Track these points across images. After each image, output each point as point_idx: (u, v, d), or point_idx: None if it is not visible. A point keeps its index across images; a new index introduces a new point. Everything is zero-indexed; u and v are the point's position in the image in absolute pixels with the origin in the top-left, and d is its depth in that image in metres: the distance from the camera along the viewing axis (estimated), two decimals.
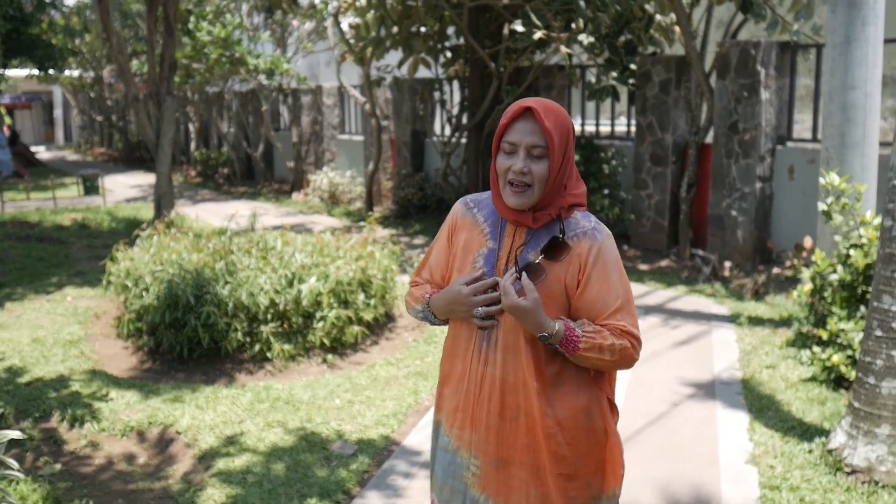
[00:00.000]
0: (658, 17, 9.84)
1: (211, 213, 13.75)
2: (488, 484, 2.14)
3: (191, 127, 22.38)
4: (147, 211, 13.90)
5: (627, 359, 2.07)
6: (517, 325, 2.07)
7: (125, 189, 18.32)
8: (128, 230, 11.47)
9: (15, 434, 3.12)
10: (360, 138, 15.65)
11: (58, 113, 39.27)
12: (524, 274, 2.02)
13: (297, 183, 16.66)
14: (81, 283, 7.93)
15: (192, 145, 22.36)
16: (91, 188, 15.91)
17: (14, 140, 24.54)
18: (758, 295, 7.51)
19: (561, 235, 2.04)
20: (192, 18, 13.63)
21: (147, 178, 20.55)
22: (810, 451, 4.21)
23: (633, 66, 9.68)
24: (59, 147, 36.80)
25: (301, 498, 3.82)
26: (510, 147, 2.06)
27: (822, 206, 5.65)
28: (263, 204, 15.35)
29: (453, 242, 2.23)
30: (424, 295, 2.25)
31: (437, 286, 2.27)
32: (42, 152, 32.01)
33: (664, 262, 9.17)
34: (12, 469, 3.09)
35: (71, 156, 30.89)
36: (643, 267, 8.97)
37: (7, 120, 28.02)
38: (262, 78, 16.21)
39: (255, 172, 19.18)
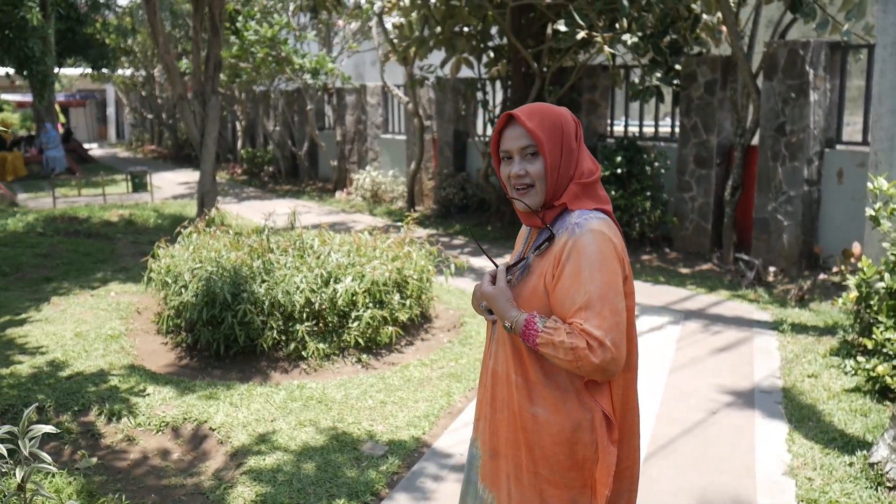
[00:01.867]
0: (704, 16, 9.68)
1: (255, 211, 13.91)
2: (486, 474, 2.24)
3: (238, 125, 22.68)
4: (192, 208, 14.11)
5: (582, 360, 1.94)
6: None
7: (173, 186, 18.64)
8: (172, 227, 11.65)
9: (48, 428, 3.18)
10: (402, 138, 15.68)
11: (110, 111, 40.18)
12: (502, 265, 2.18)
13: (341, 182, 16.77)
14: (125, 279, 8.08)
15: (239, 143, 22.66)
16: (139, 185, 16.22)
17: (67, 137, 25.13)
18: (802, 301, 7.33)
19: (549, 228, 2.13)
20: (241, 18, 13.79)
21: (194, 176, 20.86)
22: (851, 465, 4.09)
23: (677, 67, 9.54)
24: (111, 144, 37.63)
25: (330, 498, 3.83)
26: (506, 154, 2.17)
27: (869, 212, 5.48)
28: (307, 202, 15.49)
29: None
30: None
31: None
32: (94, 149, 32.75)
33: (706, 266, 9.01)
34: (45, 463, 3.15)
35: (122, 153, 31.54)
36: (684, 270, 8.83)
37: (61, 118, 28.75)
38: (308, 77, 16.34)
39: (299, 171, 19.36)
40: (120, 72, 28.94)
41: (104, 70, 24.49)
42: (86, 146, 29.62)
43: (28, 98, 30.46)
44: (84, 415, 4.73)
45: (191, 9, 19.28)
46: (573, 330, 1.97)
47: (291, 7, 17.66)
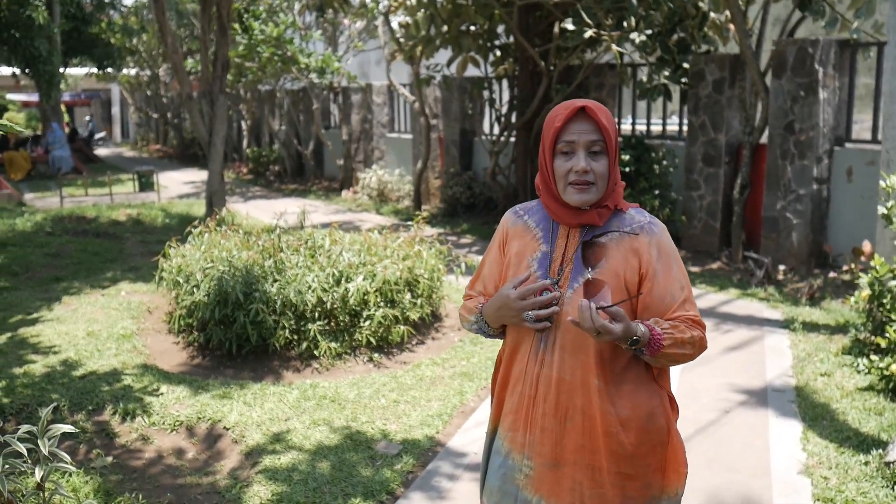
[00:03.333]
0: (712, 14, 9.67)
1: (262, 210, 13.93)
2: (541, 484, 2.12)
3: (243, 125, 22.70)
4: (199, 207, 14.14)
5: (702, 348, 2.11)
6: (572, 325, 2.04)
7: (179, 185, 18.66)
8: (180, 226, 11.67)
9: (67, 428, 3.19)
10: (408, 137, 15.69)
11: (115, 110, 40.23)
12: (592, 299, 1.97)
13: (347, 181, 16.78)
14: (135, 279, 8.09)
15: (244, 143, 22.68)
16: (146, 184, 16.24)
17: (73, 137, 25.18)
18: (813, 300, 7.32)
19: (626, 231, 2.09)
20: (246, 17, 13.80)
21: (200, 175, 20.90)
22: (866, 464, 4.08)
23: (685, 65, 9.52)
24: (116, 144, 37.68)
25: (345, 497, 3.83)
26: (568, 147, 2.06)
27: (881, 210, 5.47)
28: (313, 201, 15.50)
29: (506, 252, 2.24)
30: (477, 306, 2.25)
31: (490, 297, 2.27)
32: (100, 149, 32.78)
33: (715, 265, 9.00)
34: (65, 462, 3.16)
35: (128, 152, 31.59)
36: (694, 269, 8.82)
37: (66, 117, 28.80)
38: (314, 76, 16.35)
39: (305, 170, 19.37)
40: (125, 71, 28.98)
41: (109, 69, 24.53)
42: (96, 136, 29.59)
43: (33, 98, 30.53)
44: (98, 414, 4.74)
45: (196, 8, 19.33)
46: (685, 322, 2.07)
47: (297, 6, 17.68)
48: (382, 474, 4.06)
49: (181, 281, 5.99)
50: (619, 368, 2.08)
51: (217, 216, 7.76)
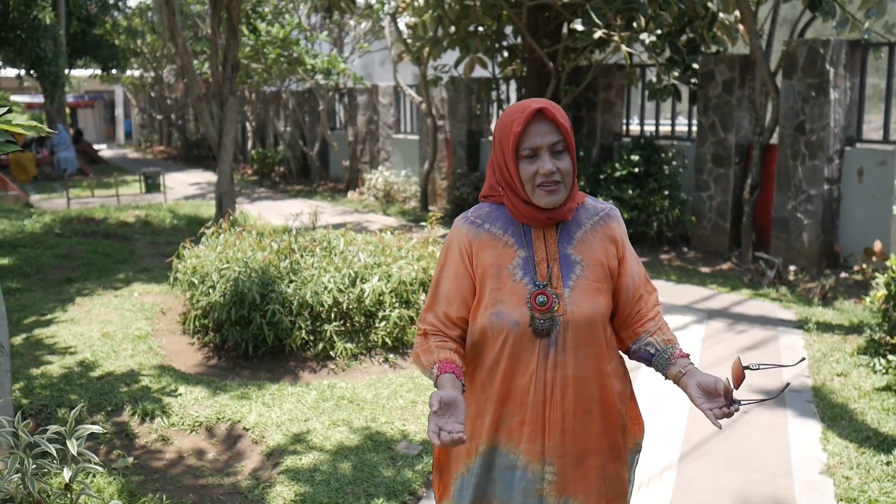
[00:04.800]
0: (721, 15, 9.67)
1: (268, 211, 13.94)
2: (567, 485, 2.13)
3: (248, 126, 22.72)
4: (206, 209, 14.15)
5: None
6: (585, 320, 2.08)
7: (184, 187, 18.67)
8: (189, 227, 11.69)
9: (95, 428, 3.20)
10: (415, 137, 15.70)
11: (119, 112, 40.27)
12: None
13: (353, 182, 16.79)
14: (148, 280, 8.10)
15: (249, 144, 22.69)
16: (153, 186, 16.26)
17: (77, 138, 25.20)
18: (825, 300, 7.32)
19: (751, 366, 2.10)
20: (253, 18, 13.82)
21: (205, 176, 20.93)
22: (888, 464, 4.09)
23: (695, 66, 9.53)
24: (119, 145, 37.72)
25: (368, 497, 3.84)
26: (531, 152, 2.04)
27: None
28: (319, 202, 15.51)
29: (475, 265, 2.13)
30: (433, 368, 2.09)
31: (456, 325, 2.17)
32: (104, 150, 32.82)
33: (725, 266, 9.01)
34: (92, 462, 3.17)
35: (131, 154, 31.62)
36: (704, 269, 8.82)
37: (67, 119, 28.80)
38: (319, 77, 16.36)
39: (310, 171, 19.38)
40: (129, 73, 29.01)
41: (113, 71, 24.55)
42: (95, 147, 29.68)
43: (37, 99, 30.56)
44: (117, 415, 4.74)
45: (200, 10, 19.35)
46: (651, 304, 2.24)
47: (302, 7, 17.69)
48: (404, 475, 4.07)
49: (196, 282, 6.00)
50: (613, 350, 2.21)
51: (230, 217, 7.76)
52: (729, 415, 1.96)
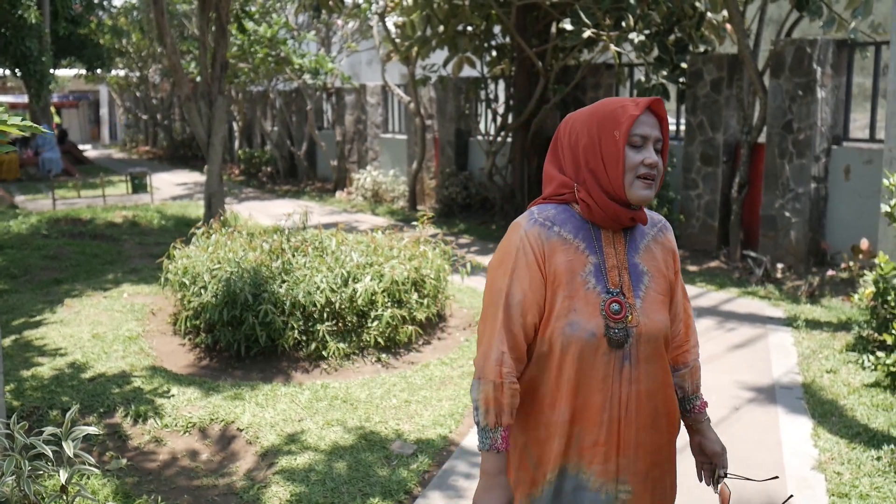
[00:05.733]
0: (709, 14, 9.73)
1: (256, 211, 13.89)
2: (641, 501, 2.05)
3: (234, 126, 22.64)
4: (194, 209, 14.10)
5: None
6: (655, 333, 2.01)
7: (171, 187, 18.58)
8: (177, 228, 11.64)
9: (91, 430, 3.19)
10: (403, 137, 15.70)
11: (103, 112, 40.02)
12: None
13: (341, 182, 16.77)
14: (137, 280, 8.06)
15: (236, 144, 22.61)
16: (139, 186, 16.17)
17: (62, 138, 25.02)
18: (813, 298, 7.38)
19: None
20: (242, 17, 13.76)
21: (192, 177, 20.84)
22: (878, 458, 4.13)
23: (683, 65, 9.57)
24: (104, 145, 37.48)
25: (364, 497, 3.84)
26: (641, 140, 1.96)
27: (885, 208, 5.54)
28: (307, 202, 15.47)
29: (548, 270, 1.98)
30: (497, 429, 1.96)
31: (527, 335, 2.01)
32: (89, 150, 32.61)
33: (714, 264, 9.06)
34: (88, 464, 3.15)
35: (117, 154, 31.43)
36: (692, 268, 8.87)
37: (56, 119, 28.62)
38: (307, 77, 16.33)
39: (298, 171, 19.34)
40: (114, 72, 28.84)
41: (98, 71, 24.40)
42: (80, 147, 29.49)
43: (21, 99, 30.32)
44: (110, 416, 4.73)
45: (187, 9, 19.26)
46: (693, 327, 2.23)
47: (289, 7, 17.64)
48: (399, 474, 4.07)
49: (187, 282, 5.98)
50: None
51: (221, 217, 7.74)
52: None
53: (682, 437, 2.28)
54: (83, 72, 24.81)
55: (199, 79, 17.06)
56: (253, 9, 15.95)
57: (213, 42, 9.25)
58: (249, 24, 14.91)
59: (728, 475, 2.16)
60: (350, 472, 4.08)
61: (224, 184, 18.87)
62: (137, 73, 28.04)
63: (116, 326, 6.39)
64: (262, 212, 13.86)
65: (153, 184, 17.32)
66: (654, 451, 2.03)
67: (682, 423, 2.24)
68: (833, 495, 3.82)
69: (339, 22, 17.53)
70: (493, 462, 1.95)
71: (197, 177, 20.70)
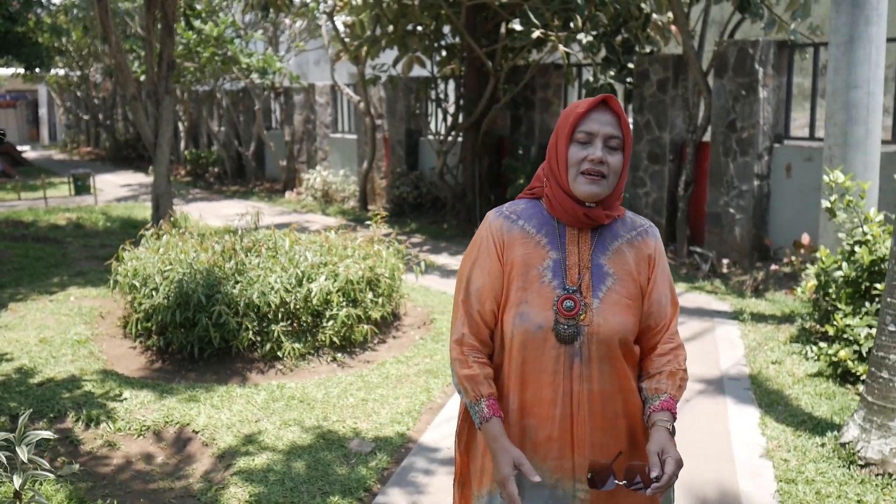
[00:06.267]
0: (655, 16, 9.92)
1: (205, 213, 13.70)
2: (598, 501, 2.04)
3: (180, 126, 22.27)
4: (140, 210, 13.86)
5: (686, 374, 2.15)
6: (610, 335, 2.01)
7: (115, 188, 18.21)
8: (123, 230, 11.43)
9: (46, 434, 3.13)
10: (352, 137, 15.65)
11: (42, 112, 38.96)
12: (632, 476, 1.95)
13: (290, 182, 16.64)
14: (84, 283, 7.90)
15: (182, 144, 22.25)
16: (82, 187, 15.82)
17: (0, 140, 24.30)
18: (757, 291, 7.59)
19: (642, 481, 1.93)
20: (190, 15, 13.57)
21: (136, 178, 20.46)
22: (823, 445, 4.28)
23: (630, 65, 9.74)
24: (44, 146, 36.49)
25: (324, 496, 3.84)
26: (586, 137, 1.98)
27: (825, 203, 5.73)
28: (256, 203, 15.32)
29: (506, 259, 2.05)
30: (481, 401, 2.03)
31: (489, 325, 2.09)
32: (27, 152, 31.73)
33: None
34: (43, 469, 3.10)
35: (57, 155, 30.64)
36: None
37: None
38: (255, 77, 16.16)
39: (246, 171, 19.12)
40: (53, 72, 28.11)
41: (37, 70, 23.74)
42: (18, 148, 28.67)
43: None
44: (60, 421, 4.63)
45: (129, 7, 18.88)
46: (671, 343, 2.10)
47: (236, 6, 17.43)
48: (358, 472, 4.08)
49: (138, 284, 5.88)
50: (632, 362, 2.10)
51: (172, 218, 7.63)
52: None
53: None
54: (21, 71, 24.10)
55: (143, 78, 16.79)
56: (199, 7, 15.73)
57: (160, 41, 9.11)
58: (196, 23, 14.71)
59: (627, 483, 1.95)
60: (309, 471, 4.07)
61: (171, 184, 18.60)
62: (78, 73, 27.38)
63: (64, 330, 6.26)
64: (210, 213, 13.67)
65: (96, 185, 16.95)
66: (612, 453, 2.01)
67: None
68: (781, 481, 3.94)
69: (287, 21, 17.39)
70: (489, 430, 2.01)
71: (142, 178, 20.32)
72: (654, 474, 1.90)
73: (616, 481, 1.93)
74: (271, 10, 12.17)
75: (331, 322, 5.76)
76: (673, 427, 2.02)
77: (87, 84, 27.51)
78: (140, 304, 5.80)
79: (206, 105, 20.55)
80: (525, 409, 2.04)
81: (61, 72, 28.51)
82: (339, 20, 13.84)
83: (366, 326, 5.92)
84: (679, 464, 1.92)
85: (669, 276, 2.14)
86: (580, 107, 2.00)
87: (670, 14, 9.79)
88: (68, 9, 23.64)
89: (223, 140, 19.58)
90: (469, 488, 2.20)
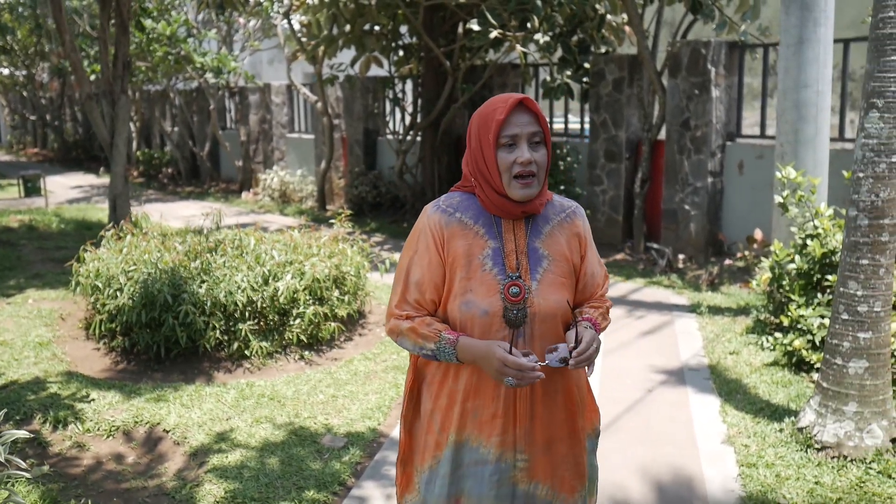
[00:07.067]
0: (609, 16, 10.10)
1: (159, 213, 13.53)
2: (536, 470, 2.22)
3: (132, 126, 21.92)
4: (94, 212, 13.64)
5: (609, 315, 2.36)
6: (550, 312, 2.15)
7: (65, 190, 17.85)
8: (78, 231, 11.25)
9: (22, 433, 3.12)
10: (309, 137, 15.59)
11: None
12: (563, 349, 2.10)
13: (246, 182, 16.52)
14: (42, 286, 7.77)
15: (134, 145, 21.90)
16: (32, 189, 15.48)
17: None
18: (713, 285, 7.80)
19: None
20: (140, 14, 13.37)
21: (87, 179, 20.09)
22: (781, 430, 4.44)
23: (586, 65, 9.91)
24: None
25: (299, 490, 3.88)
26: (511, 140, 2.08)
27: (777, 199, 5.93)
28: (213, 203, 15.17)
29: (447, 252, 2.15)
30: (442, 333, 2.13)
31: (428, 310, 2.20)
32: None
33: (619, 256, 9.43)
34: (20, 469, 3.09)
35: (2, 156, 29.90)
36: None
37: None
38: (209, 76, 16.00)
39: (200, 172, 18.91)
40: None
41: None
42: None
43: None
44: (27, 424, 4.59)
45: (79, 6, 18.54)
46: (599, 300, 2.32)
47: (188, 4, 17.23)
48: (332, 466, 4.13)
49: (101, 285, 5.83)
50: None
51: (134, 219, 7.55)
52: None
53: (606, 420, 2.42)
54: None
55: (93, 77, 16.49)
56: (151, 5, 15.51)
57: (115, 40, 9.00)
58: (147, 22, 14.50)
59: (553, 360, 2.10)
60: (283, 466, 4.10)
61: (128, 185, 18.29)
62: (24, 72, 26.75)
63: (24, 333, 6.17)
64: (168, 214, 13.50)
65: (47, 187, 16.60)
66: (550, 423, 2.21)
67: (595, 406, 2.38)
68: (742, 465, 4.10)
69: (241, 20, 17.25)
70: (463, 349, 2.10)
71: (92, 179, 19.97)
72: (570, 345, 2.07)
73: (538, 361, 2.06)
74: (227, 9, 12.09)
75: (298, 320, 5.78)
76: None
77: (33, 84, 26.90)
78: (103, 305, 5.75)
79: (159, 105, 20.28)
80: (472, 391, 2.18)
81: (6, 71, 27.83)
82: (296, 19, 13.79)
83: (332, 324, 5.95)
84: (594, 337, 2.10)
85: (595, 249, 2.34)
86: (500, 113, 2.08)
87: (624, 15, 10.00)
88: (13, 7, 23.09)
89: (177, 140, 19.33)
90: (412, 465, 2.32)
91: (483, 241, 2.15)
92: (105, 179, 19.40)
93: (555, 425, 2.23)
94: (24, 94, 28.88)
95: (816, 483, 3.86)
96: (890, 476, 3.88)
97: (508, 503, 2.22)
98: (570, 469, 2.27)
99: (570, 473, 2.27)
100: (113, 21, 9.12)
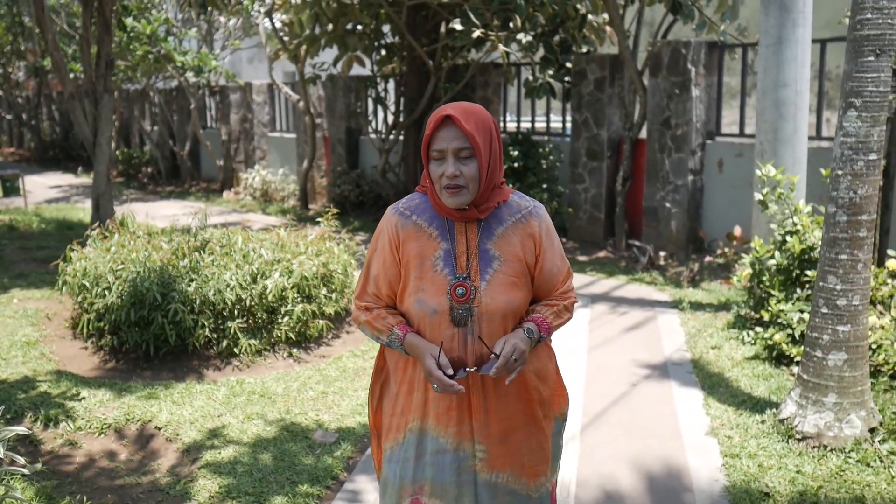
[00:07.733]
0: (591, 16, 10.21)
1: (141, 213, 13.48)
2: (495, 460, 2.34)
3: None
4: (74, 212, 13.57)
5: (573, 306, 2.42)
6: (499, 312, 2.26)
7: (44, 190, 17.72)
8: (59, 231, 11.20)
9: (22, 429, 3.15)
10: (291, 136, 15.60)
11: None
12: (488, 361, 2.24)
13: (227, 181, 16.49)
14: (26, 286, 7.75)
15: (113, 144, 21.74)
16: (11, 189, 15.36)
17: None
18: (694, 282, 7.93)
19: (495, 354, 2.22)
20: (121, 13, 13.33)
21: (65, 179, 19.94)
22: (763, 422, 4.55)
23: (568, 65, 10.01)
24: None
25: (292, 485, 3.93)
26: (438, 154, 2.19)
27: (757, 196, 6.05)
28: (194, 203, 15.14)
29: (402, 253, 2.29)
30: (393, 328, 2.29)
31: (386, 302, 2.35)
32: None
33: (601, 253, 9.54)
34: (17, 465, 3.12)
35: None
36: (582, 258, 9.31)
37: None
38: (190, 75, 15.95)
39: (181, 171, 18.84)
40: None
41: None
42: None
43: None
44: (18, 422, 4.59)
45: (57, 3, 18.40)
46: (560, 298, 2.39)
47: (168, 2, 17.16)
48: (324, 461, 4.18)
49: (88, 285, 5.84)
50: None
51: (120, 218, 7.55)
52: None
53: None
54: None
55: (72, 76, 16.37)
56: (131, 4, 15.43)
57: (97, 38, 8.97)
58: (128, 21, 14.44)
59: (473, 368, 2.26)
60: (276, 462, 4.15)
61: (111, 184, 18.17)
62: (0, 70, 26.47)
63: (11, 332, 6.16)
64: (149, 213, 13.46)
65: (25, 187, 16.47)
66: (506, 416, 2.32)
67: (563, 391, 2.50)
68: (726, 456, 4.20)
69: (222, 19, 17.20)
70: (410, 345, 2.27)
71: (71, 179, 19.83)
72: (496, 351, 2.19)
73: (467, 369, 2.24)
74: (209, 8, 12.07)
75: (286, 318, 5.82)
76: (538, 336, 2.29)
77: (8, 83, 26.63)
78: (91, 304, 5.76)
79: (138, 104, 20.17)
80: (428, 383, 2.30)
81: None
82: (277, 18, 13.79)
83: (321, 322, 6.00)
84: (516, 347, 2.19)
85: (559, 247, 2.39)
86: (428, 127, 2.20)
87: (605, 15, 10.11)
88: None
89: (157, 139, 19.25)
90: (379, 441, 2.52)
91: (436, 242, 2.27)
92: (84, 179, 19.27)
93: (511, 417, 2.34)
94: (0, 93, 28.59)
95: (798, 472, 3.97)
96: (868, 465, 4.00)
97: (471, 490, 2.34)
98: (533, 455, 2.38)
99: (533, 459, 2.39)
100: (95, 20, 9.10)
